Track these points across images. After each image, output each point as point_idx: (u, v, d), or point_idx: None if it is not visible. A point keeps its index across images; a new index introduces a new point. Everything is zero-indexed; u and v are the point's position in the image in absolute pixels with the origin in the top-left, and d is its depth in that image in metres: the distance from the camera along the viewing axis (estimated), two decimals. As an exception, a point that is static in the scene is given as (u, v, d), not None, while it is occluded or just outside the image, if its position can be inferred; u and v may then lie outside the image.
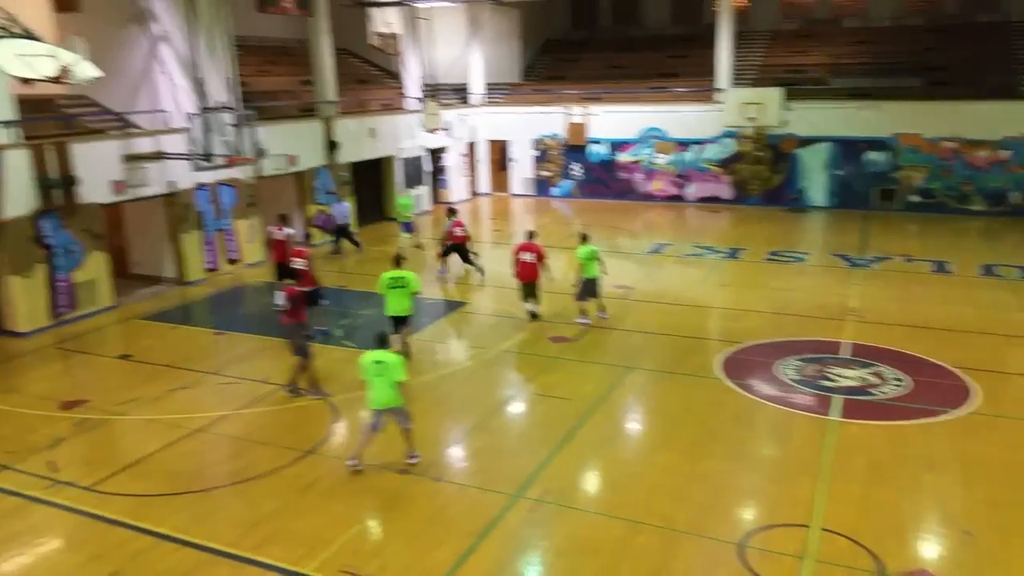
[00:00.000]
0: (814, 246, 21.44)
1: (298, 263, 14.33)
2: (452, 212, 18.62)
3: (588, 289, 14.36)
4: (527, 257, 14.56)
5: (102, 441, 10.41)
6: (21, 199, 14.28)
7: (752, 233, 23.04)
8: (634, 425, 10.94)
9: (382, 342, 9.30)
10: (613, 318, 14.92)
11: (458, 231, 17.92)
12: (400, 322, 12.67)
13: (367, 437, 9.29)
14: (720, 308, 16.10)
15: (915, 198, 25.40)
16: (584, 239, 14.52)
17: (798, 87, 26.74)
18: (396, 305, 12.57)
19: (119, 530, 8.18)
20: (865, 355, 12.72)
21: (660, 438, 10.28)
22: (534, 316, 14.79)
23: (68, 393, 11.93)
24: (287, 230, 16.67)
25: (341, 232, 20.72)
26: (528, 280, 14.65)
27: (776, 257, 19.89)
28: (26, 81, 11.62)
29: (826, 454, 9.51)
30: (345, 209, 20.90)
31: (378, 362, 9.06)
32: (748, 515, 8.46)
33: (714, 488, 8.87)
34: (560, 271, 17.71)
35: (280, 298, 11.47)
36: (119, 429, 10.75)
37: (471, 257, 18.13)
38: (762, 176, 27.15)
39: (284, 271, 15.34)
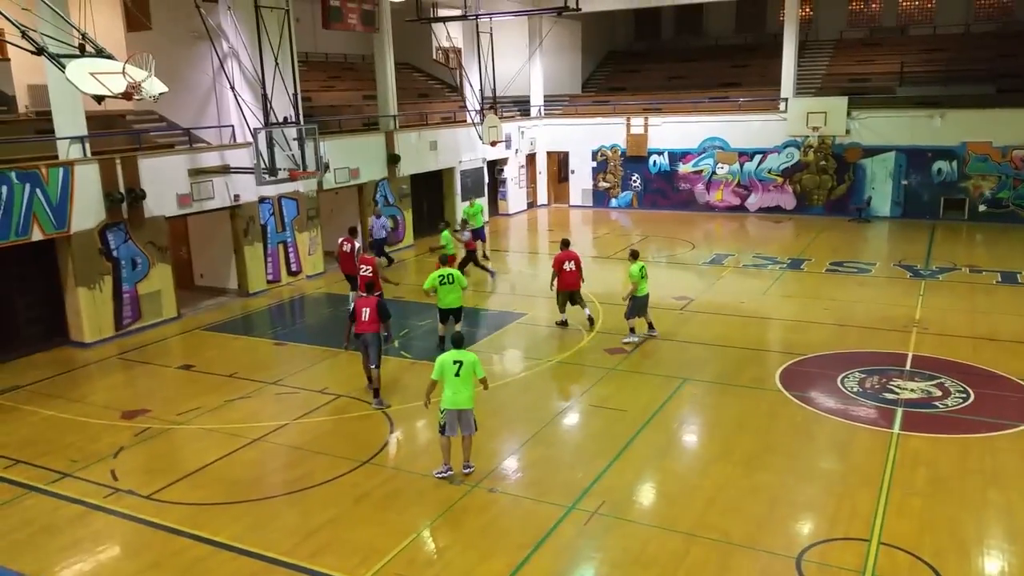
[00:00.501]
0: (878, 257, 20.82)
1: (366, 271, 14.59)
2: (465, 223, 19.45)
3: (638, 307, 14.04)
4: (571, 266, 14.71)
5: (162, 450, 10.60)
6: (89, 212, 14.72)
7: (815, 244, 22.50)
8: (690, 437, 10.71)
9: (458, 342, 9.39)
10: (670, 330, 14.71)
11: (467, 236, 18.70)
12: (454, 315, 13.79)
13: (447, 440, 9.28)
14: (781, 319, 15.72)
15: (983, 208, 24.61)
16: (635, 256, 14.16)
17: (863, 96, 26.14)
18: (450, 299, 13.70)
19: (177, 538, 8.28)
20: (929, 367, 12.45)
21: (716, 450, 10.04)
22: (591, 321, 15.02)
23: (130, 403, 12.20)
24: (356, 243, 16.86)
25: (377, 247, 20.04)
26: (572, 288, 14.84)
27: (839, 268, 19.38)
28: (99, 99, 11.95)
29: (887, 467, 9.27)
30: (383, 224, 20.33)
31: (457, 361, 9.12)
32: (806, 528, 8.23)
33: (771, 501, 8.66)
34: (617, 282, 17.60)
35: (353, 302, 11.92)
36: (179, 439, 10.94)
37: (482, 261, 18.87)
38: (826, 186, 26.57)
39: (355, 281, 15.62)
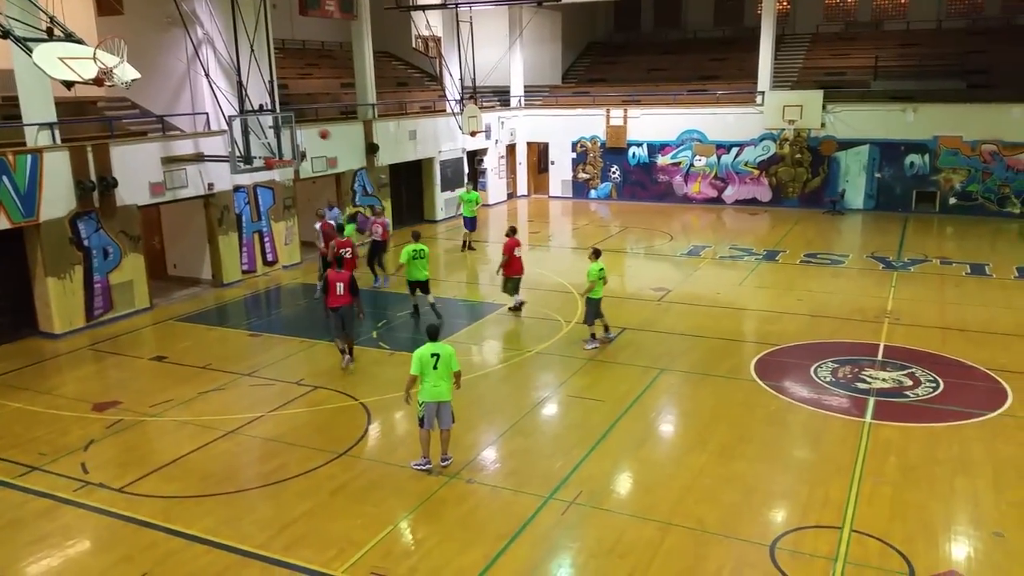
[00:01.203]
0: (852, 248, 21.05)
1: (347, 252, 15.20)
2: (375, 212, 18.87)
3: (595, 310, 13.45)
4: (519, 252, 15.26)
5: (134, 443, 10.43)
6: (59, 201, 14.45)
7: (790, 236, 22.69)
8: (667, 427, 10.75)
9: (433, 334, 9.30)
10: (648, 321, 14.76)
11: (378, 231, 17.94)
12: (421, 287, 15.09)
13: (427, 433, 9.20)
14: (756, 310, 15.81)
15: (953, 200, 24.94)
16: (596, 255, 13.60)
17: (838, 90, 26.34)
18: (418, 272, 15.01)
19: (150, 532, 8.15)
20: (900, 357, 12.66)
21: (693, 440, 10.09)
22: (521, 305, 15.46)
23: (101, 395, 12.00)
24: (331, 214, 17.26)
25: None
26: (520, 274, 15.39)
27: (813, 259, 19.55)
28: (68, 85, 11.71)
29: (859, 456, 9.41)
30: (335, 215, 19.21)
31: (434, 354, 9.02)
32: (780, 517, 8.31)
33: (746, 489, 8.74)
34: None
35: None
36: (152, 431, 10.77)
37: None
38: (801, 178, 26.78)
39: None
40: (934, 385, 11.47)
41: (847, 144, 25.91)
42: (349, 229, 16.58)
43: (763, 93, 26.75)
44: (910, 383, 11.57)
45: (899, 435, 9.97)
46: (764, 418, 10.64)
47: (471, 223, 21.48)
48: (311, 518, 8.34)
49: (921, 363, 12.30)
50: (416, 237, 15.55)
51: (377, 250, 18.04)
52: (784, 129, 26.29)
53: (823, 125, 25.90)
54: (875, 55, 28.09)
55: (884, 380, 11.71)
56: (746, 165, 27.43)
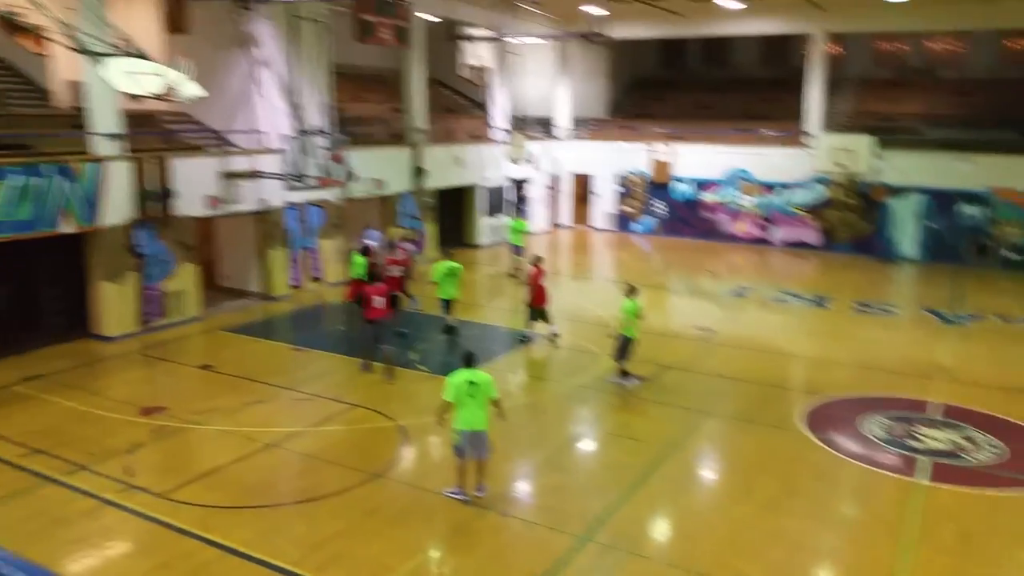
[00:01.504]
0: (904, 299, 20.61)
1: (395, 270, 15.90)
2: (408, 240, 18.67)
3: (627, 348, 13.00)
4: (543, 282, 15.33)
5: (177, 449, 10.62)
6: (120, 209, 14.87)
7: (840, 281, 22.33)
8: (709, 473, 10.58)
9: (470, 361, 9.22)
10: (690, 361, 14.61)
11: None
12: (451, 305, 15.62)
13: (463, 462, 9.11)
14: (804, 357, 15.55)
15: (1011, 255, 24.31)
16: (631, 291, 13.14)
17: (890, 136, 26.02)
18: (451, 291, 15.56)
19: (187, 540, 8.26)
20: (957, 417, 12.08)
21: (736, 489, 9.88)
22: (555, 336, 15.37)
23: (149, 399, 12.25)
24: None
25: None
26: (545, 304, 15.32)
27: (864, 308, 19.17)
28: (134, 97, 12.12)
29: (911, 519, 9.03)
30: (376, 237, 19.75)
31: (471, 382, 8.96)
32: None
33: (790, 545, 8.48)
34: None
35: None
36: (194, 438, 10.95)
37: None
38: (851, 224, 26.41)
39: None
40: (997, 450, 10.90)
41: (899, 191, 25.53)
42: (359, 261, 16.36)
43: (813, 135, 26.55)
44: (969, 445, 11.06)
45: (955, 500, 9.50)
46: (812, 472, 10.27)
47: (519, 251, 21.50)
48: (344, 538, 8.37)
49: (980, 425, 11.71)
50: (449, 255, 16.27)
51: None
52: (834, 172, 25.99)
53: (874, 171, 25.56)
54: (928, 102, 27.74)
55: (939, 440, 11.21)
56: (795, 207, 27.17)
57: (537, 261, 15.70)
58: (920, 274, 23.96)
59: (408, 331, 15.62)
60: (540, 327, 15.50)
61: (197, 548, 8.11)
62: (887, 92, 29.85)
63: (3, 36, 17.76)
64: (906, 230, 25.61)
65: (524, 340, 15.49)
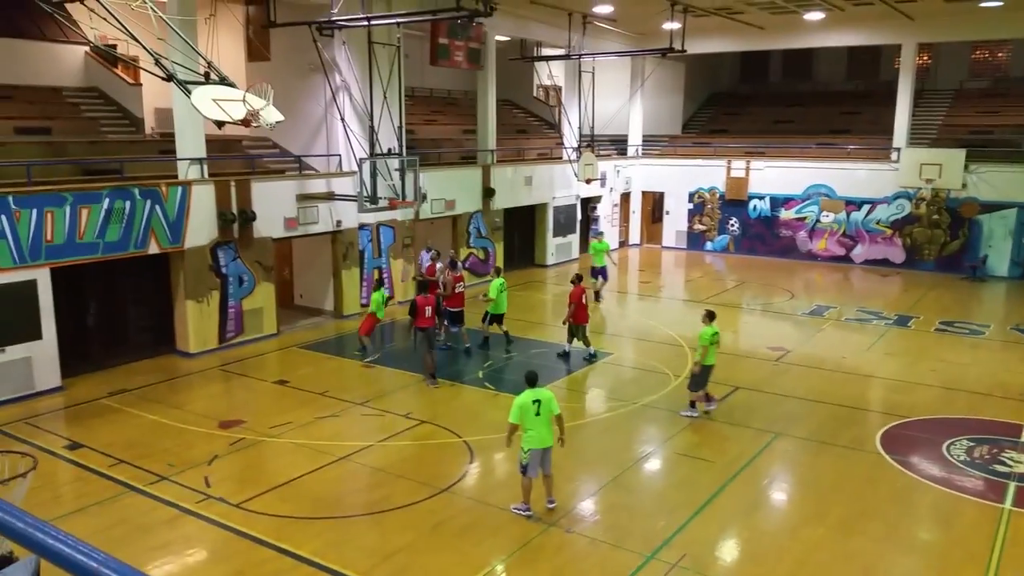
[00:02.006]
0: (993, 319, 19.71)
1: (460, 287, 16.51)
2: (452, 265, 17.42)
3: (703, 378, 12.53)
4: (585, 301, 15.47)
5: (254, 461, 10.94)
6: (203, 230, 15.48)
7: (924, 301, 21.54)
8: (780, 495, 10.32)
9: (532, 381, 9.31)
10: (763, 382, 14.31)
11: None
12: (500, 319, 16.13)
13: (530, 480, 9.18)
14: (884, 378, 15.03)
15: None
16: (711, 317, 12.63)
17: (983, 149, 25.00)
18: (504, 305, 16.20)
19: (261, 549, 8.50)
20: None
21: (809, 511, 9.61)
22: (592, 357, 15.52)
23: (227, 413, 12.67)
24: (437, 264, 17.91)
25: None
26: (585, 322, 15.52)
27: (950, 328, 18.44)
28: (219, 124, 12.60)
29: (996, 545, 8.65)
30: (432, 256, 19.48)
31: (536, 401, 9.04)
32: (904, 603, 7.76)
33: (865, 569, 8.23)
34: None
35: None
36: (270, 451, 11.27)
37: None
38: (938, 241, 25.45)
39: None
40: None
41: (992, 207, 24.52)
42: (377, 296, 16.11)
43: (899, 150, 25.78)
44: None
45: None
46: (889, 494, 9.95)
47: (602, 272, 20.97)
48: (412, 551, 8.49)
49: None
50: (498, 272, 17.04)
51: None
52: (921, 188, 25.14)
53: (964, 186, 24.63)
54: (1025, 114, 26.64)
55: None
56: (878, 224, 26.37)
57: (578, 280, 15.74)
58: (1012, 292, 22.92)
59: (470, 347, 16.19)
60: (577, 345, 15.60)
61: (271, 557, 8.34)
62: (981, 103, 28.75)
63: (100, 68, 18.81)
64: (999, 247, 24.55)
65: (564, 356, 15.65)
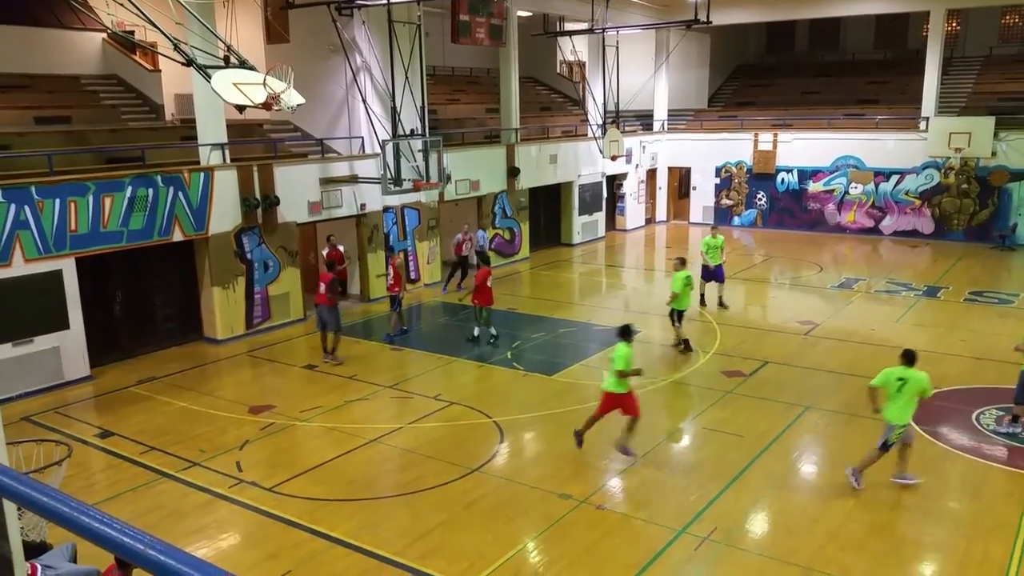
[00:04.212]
0: (1023, 288, 19.43)
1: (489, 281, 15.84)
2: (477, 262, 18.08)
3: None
4: (491, 283, 15.24)
5: (285, 445, 11.01)
6: (227, 216, 15.53)
7: (953, 271, 21.22)
8: (810, 467, 10.25)
9: (910, 358, 9.18)
10: (793, 356, 14.18)
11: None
12: (680, 315, 14.65)
13: (907, 449, 9.18)
14: (914, 349, 14.78)
15: None
16: (682, 263, 13.99)
17: (1014, 116, 24.47)
18: (688, 301, 14.74)
19: (295, 531, 8.57)
20: None
21: (839, 483, 9.51)
22: (495, 338, 15.32)
23: (257, 398, 12.75)
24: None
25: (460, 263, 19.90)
26: (490, 304, 15.32)
27: (979, 298, 18.17)
28: (240, 108, 12.59)
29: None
30: (480, 237, 20.38)
31: (901, 379, 9.04)
32: (932, 570, 7.81)
33: (896, 540, 8.23)
34: (734, 300, 17.17)
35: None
36: (301, 435, 11.35)
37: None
38: (967, 210, 25.03)
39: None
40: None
41: (1021, 175, 24.04)
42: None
43: (927, 119, 25.29)
44: None
45: None
46: (919, 465, 9.86)
47: (719, 274, 17.57)
48: (445, 530, 8.52)
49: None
50: (682, 263, 14.73)
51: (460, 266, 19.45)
52: (950, 157, 24.70)
53: (994, 154, 24.16)
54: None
55: None
56: (907, 194, 25.95)
57: (485, 261, 16.19)
58: (1045, 261, 22.50)
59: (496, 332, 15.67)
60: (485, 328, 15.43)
61: (305, 539, 8.41)
62: (1012, 69, 28.12)
63: (118, 54, 18.87)
64: (1029, 215, 24.10)
65: (477, 339, 15.39)
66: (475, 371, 13.95)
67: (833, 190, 27.15)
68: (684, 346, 14.51)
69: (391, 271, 16.12)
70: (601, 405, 10.09)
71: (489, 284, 15.19)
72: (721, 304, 17.56)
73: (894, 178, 26.06)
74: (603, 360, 14.13)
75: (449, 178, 19.70)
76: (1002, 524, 8.42)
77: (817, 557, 7.83)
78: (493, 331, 15.39)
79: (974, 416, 11.30)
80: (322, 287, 14.45)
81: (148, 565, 1.75)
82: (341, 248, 17.26)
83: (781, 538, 8.37)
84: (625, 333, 10.11)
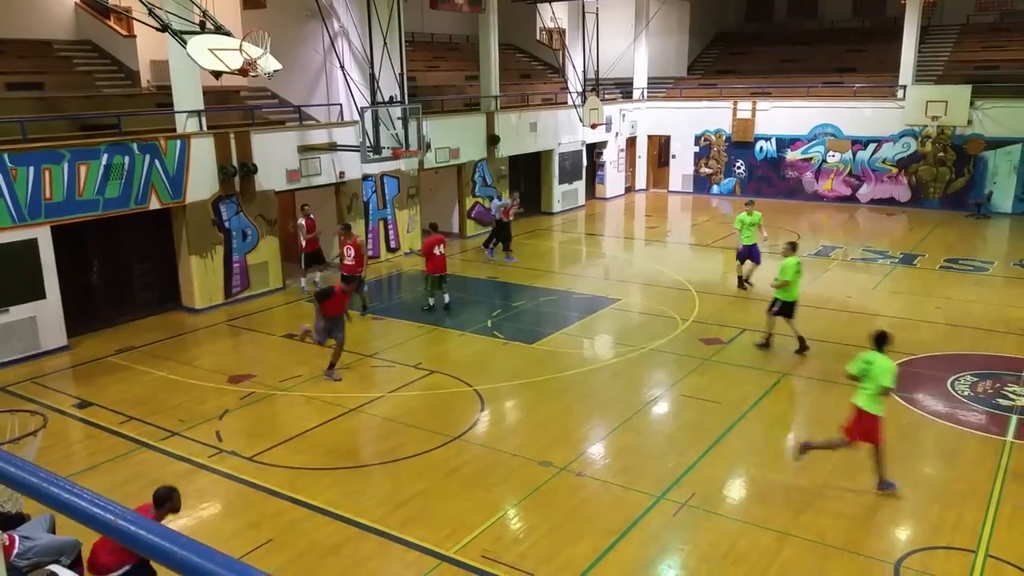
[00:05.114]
0: (997, 255, 19.69)
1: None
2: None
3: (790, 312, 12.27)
4: (441, 250, 15.01)
5: (265, 415, 11.01)
6: (204, 184, 15.34)
7: (929, 239, 21.46)
8: (787, 433, 10.39)
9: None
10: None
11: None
12: (788, 310, 12.84)
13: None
14: (890, 317, 15.00)
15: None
16: (792, 248, 12.43)
17: (989, 84, 24.64)
18: (797, 292, 12.85)
19: (276, 500, 8.60)
20: None
21: (814, 450, 9.69)
22: (447, 307, 15.36)
23: (236, 368, 12.71)
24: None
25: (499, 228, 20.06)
26: (441, 272, 15.18)
27: (955, 265, 18.42)
28: (216, 74, 12.39)
29: (998, 477, 8.82)
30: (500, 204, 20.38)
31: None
32: (907, 535, 7.92)
33: (871, 504, 8.37)
34: (713, 271, 17.28)
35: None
36: (281, 404, 11.34)
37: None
38: (943, 178, 25.26)
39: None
40: (1090, 407, 10.53)
41: (996, 143, 24.26)
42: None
43: (904, 87, 25.40)
44: None
45: None
46: (895, 431, 9.99)
47: (754, 253, 16.39)
48: (426, 498, 8.59)
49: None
50: (793, 248, 12.94)
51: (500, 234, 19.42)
52: (926, 126, 24.86)
53: (970, 122, 24.34)
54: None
55: None
56: (884, 163, 26.13)
57: (433, 228, 15.71)
58: (1016, 229, 22.83)
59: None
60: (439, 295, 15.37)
61: (286, 508, 8.44)
62: (988, 38, 28.24)
63: (91, 19, 18.49)
64: (1003, 184, 24.36)
65: (447, 308, 15.30)
66: (456, 340, 13.99)
67: (811, 158, 27.27)
68: (800, 346, 12.79)
69: (352, 251, 14.96)
70: (852, 427, 8.47)
71: (438, 251, 15.04)
72: (746, 282, 16.58)
73: (871, 146, 26.21)
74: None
75: (429, 146, 19.57)
76: (976, 489, 8.57)
77: (793, 523, 7.97)
78: (435, 299, 15.47)
79: (949, 382, 11.48)
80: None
81: (120, 535, 1.76)
82: (313, 217, 17.05)
83: (758, 504, 8.51)
84: (881, 340, 8.47)
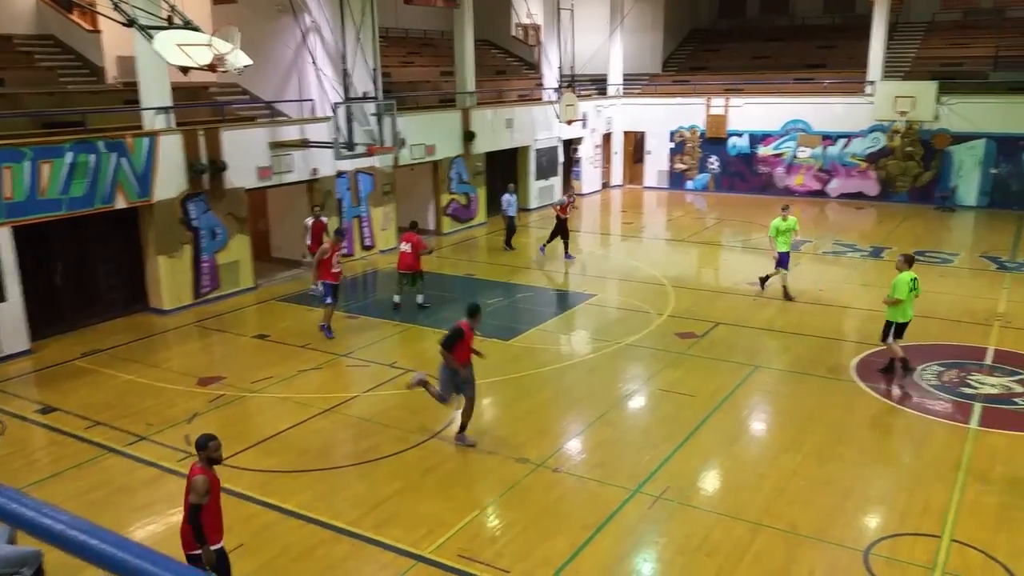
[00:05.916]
0: (962, 247, 20.05)
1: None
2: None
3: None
4: (405, 247, 14.86)
5: (236, 417, 10.84)
6: (172, 182, 15.07)
7: (897, 232, 21.77)
8: (760, 425, 10.49)
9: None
10: (743, 317, 14.40)
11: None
12: (900, 331, 11.63)
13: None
14: (859, 308, 15.20)
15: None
16: (908, 263, 11.49)
17: (955, 80, 24.97)
18: (911, 312, 11.66)
19: (248, 504, 8.44)
20: (1011, 362, 12.01)
21: (787, 440, 9.79)
22: (420, 307, 15.12)
23: (206, 369, 12.50)
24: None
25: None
26: (407, 270, 14.97)
27: (922, 257, 18.57)
28: (184, 70, 12.19)
29: (963, 463, 9.01)
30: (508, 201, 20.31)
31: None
32: (876, 522, 8.03)
33: (841, 493, 8.47)
34: (688, 267, 17.33)
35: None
36: (252, 406, 11.18)
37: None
38: (911, 173, 25.57)
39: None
40: (1051, 394, 10.77)
41: (962, 138, 24.60)
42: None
43: (873, 83, 25.66)
44: (1021, 390, 10.98)
45: (1007, 443, 9.50)
46: (863, 421, 10.29)
47: (784, 260, 15.40)
48: (401, 498, 8.50)
49: (1036, 370, 11.54)
50: (909, 262, 11.69)
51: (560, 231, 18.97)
52: (895, 121, 25.15)
53: (937, 118, 24.66)
54: (996, 44, 26.53)
55: (992, 386, 11.16)
56: (853, 157, 26.40)
57: (413, 226, 15.29)
58: (981, 221, 23.27)
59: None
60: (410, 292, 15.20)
61: (258, 512, 8.31)
62: (953, 36, 28.62)
63: (55, 14, 18.11)
64: (968, 177, 24.73)
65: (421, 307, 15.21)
66: (431, 337, 13.81)
67: (782, 154, 27.49)
68: (903, 365, 11.65)
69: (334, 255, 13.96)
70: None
71: (403, 248, 14.94)
72: (787, 296, 15.47)
73: (841, 141, 26.46)
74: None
75: (403, 142, 19.43)
76: (942, 476, 8.73)
77: (766, 512, 8.04)
78: (400, 296, 15.32)
79: (917, 372, 11.66)
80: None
81: (68, 546, 1.67)
82: (324, 220, 16.78)
83: (731, 495, 8.57)
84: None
